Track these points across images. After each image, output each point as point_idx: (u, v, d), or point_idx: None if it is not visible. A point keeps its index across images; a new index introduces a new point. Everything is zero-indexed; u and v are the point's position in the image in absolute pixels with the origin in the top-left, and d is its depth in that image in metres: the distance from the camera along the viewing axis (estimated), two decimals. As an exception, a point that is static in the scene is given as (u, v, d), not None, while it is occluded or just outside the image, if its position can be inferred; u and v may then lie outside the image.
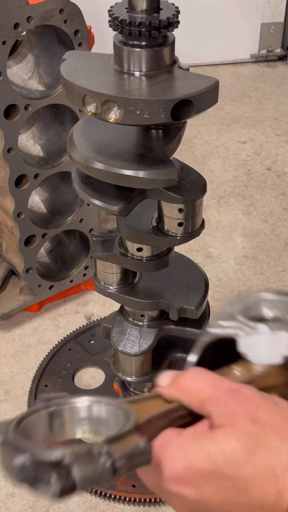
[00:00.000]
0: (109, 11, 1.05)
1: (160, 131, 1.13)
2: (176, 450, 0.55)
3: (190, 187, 1.14)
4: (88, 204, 1.82)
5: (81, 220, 1.87)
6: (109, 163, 1.07)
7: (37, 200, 1.90)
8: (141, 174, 1.05)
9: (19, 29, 1.49)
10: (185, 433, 0.56)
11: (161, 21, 1.01)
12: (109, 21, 1.04)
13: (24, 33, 1.60)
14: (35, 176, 1.71)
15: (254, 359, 0.65)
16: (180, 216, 1.17)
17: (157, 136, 1.13)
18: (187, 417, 0.60)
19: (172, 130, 1.13)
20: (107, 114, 0.99)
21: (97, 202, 1.13)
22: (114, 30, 1.04)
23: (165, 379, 0.61)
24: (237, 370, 0.66)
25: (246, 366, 0.66)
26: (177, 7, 1.05)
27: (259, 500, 0.53)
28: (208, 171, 2.57)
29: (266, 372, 0.65)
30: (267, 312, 0.68)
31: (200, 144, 2.76)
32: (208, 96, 1.00)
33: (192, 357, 0.67)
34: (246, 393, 0.57)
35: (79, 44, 1.61)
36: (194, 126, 2.80)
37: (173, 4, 1.06)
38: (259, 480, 0.52)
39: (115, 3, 1.07)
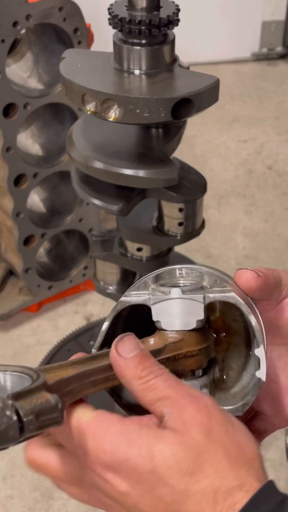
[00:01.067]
0: (108, 9, 1.04)
1: (160, 130, 1.12)
2: (118, 436, 0.50)
3: (190, 186, 1.13)
4: (87, 204, 1.81)
5: (80, 220, 1.86)
6: (109, 162, 1.06)
7: (36, 200, 1.89)
8: (141, 173, 1.04)
9: (18, 27, 1.48)
10: (129, 421, 0.52)
11: (161, 19, 1.00)
12: (109, 19, 1.03)
13: (23, 31, 1.58)
14: (34, 175, 1.70)
15: (167, 326, 0.61)
16: (180, 215, 1.16)
17: (157, 135, 1.12)
18: (110, 382, 0.56)
19: (172, 129, 1.12)
20: (107, 113, 0.98)
21: (96, 202, 1.12)
22: (113, 28, 1.03)
23: (127, 349, 0.55)
24: (152, 340, 0.61)
25: (161, 335, 0.61)
26: (177, 5, 1.04)
27: None
28: (209, 170, 2.56)
29: (181, 338, 0.61)
30: (181, 281, 0.64)
31: (200, 143, 2.75)
32: (208, 95, 0.99)
33: (104, 326, 0.61)
34: (207, 402, 0.52)
35: (79, 42, 1.60)
36: (194, 125, 2.79)
37: (173, 2, 1.05)
38: (198, 497, 0.49)
39: (115, 1, 1.06)
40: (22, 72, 1.68)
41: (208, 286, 0.63)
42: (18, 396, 0.46)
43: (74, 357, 0.57)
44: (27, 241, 1.80)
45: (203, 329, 0.62)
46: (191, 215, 1.17)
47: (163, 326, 0.61)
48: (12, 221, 1.74)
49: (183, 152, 2.65)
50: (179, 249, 1.34)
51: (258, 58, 3.37)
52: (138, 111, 0.96)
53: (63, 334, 1.90)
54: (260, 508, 0.48)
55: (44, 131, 1.79)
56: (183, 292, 0.60)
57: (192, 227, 1.18)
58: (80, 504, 1.48)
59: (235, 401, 0.63)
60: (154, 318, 0.61)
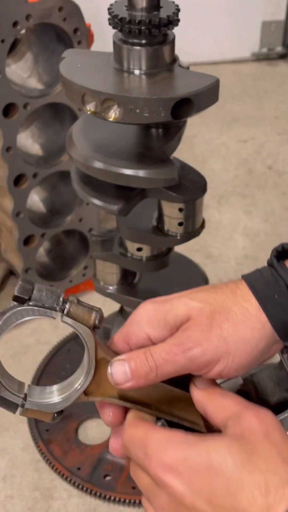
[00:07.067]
0: (108, 9, 1.04)
1: (160, 130, 1.12)
2: (180, 443, 0.56)
3: (190, 186, 1.13)
4: (87, 204, 1.81)
5: (80, 220, 1.86)
6: (109, 162, 1.06)
7: (36, 200, 1.89)
8: (141, 173, 1.04)
9: (18, 27, 1.48)
10: (192, 435, 0.58)
11: (161, 19, 1.00)
12: (109, 19, 1.03)
13: (23, 31, 1.58)
14: (34, 175, 1.70)
15: None
16: (180, 215, 1.16)
17: (157, 135, 1.12)
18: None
19: (172, 129, 1.12)
20: (107, 112, 0.98)
21: (96, 202, 1.12)
22: (113, 28, 1.03)
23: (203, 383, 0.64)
24: None
25: None
26: (177, 5, 1.04)
27: (245, 508, 0.52)
28: (209, 170, 2.56)
29: None
30: None
31: (200, 143, 2.75)
32: (208, 95, 0.99)
33: None
34: (267, 413, 0.58)
35: (79, 42, 1.60)
36: (194, 125, 2.79)
37: (173, 2, 1.05)
38: (251, 487, 0.51)
39: (115, 1, 1.06)
40: (22, 72, 1.68)
41: None
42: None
43: None
44: (27, 241, 1.80)
45: None
46: (191, 215, 1.17)
47: None
48: (12, 221, 1.74)
49: (183, 152, 2.64)
50: (179, 249, 1.34)
51: (258, 58, 3.37)
52: (138, 111, 0.96)
53: (63, 334, 1.89)
54: None
55: (44, 131, 1.79)
56: None
57: (192, 227, 1.18)
58: (80, 504, 1.48)
59: None
60: None
